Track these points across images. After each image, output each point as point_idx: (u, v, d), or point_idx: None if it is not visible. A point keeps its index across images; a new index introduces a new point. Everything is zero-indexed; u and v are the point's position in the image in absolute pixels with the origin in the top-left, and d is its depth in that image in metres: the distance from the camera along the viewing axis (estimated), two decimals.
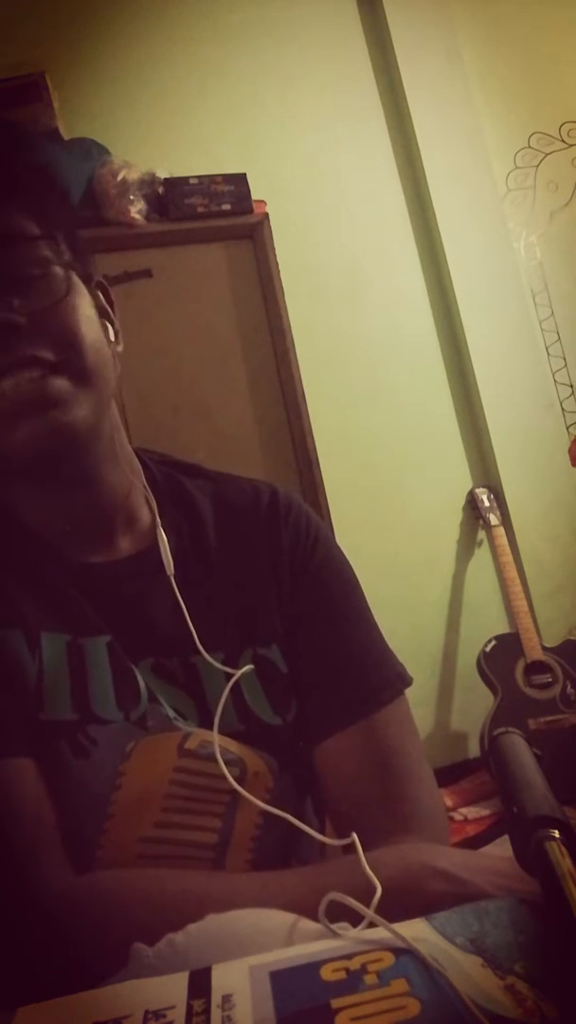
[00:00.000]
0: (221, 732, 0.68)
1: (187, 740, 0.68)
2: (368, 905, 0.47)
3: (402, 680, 0.76)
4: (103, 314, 0.73)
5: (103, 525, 0.74)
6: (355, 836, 0.54)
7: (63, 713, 0.66)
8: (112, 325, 0.74)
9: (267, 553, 0.78)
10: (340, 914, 0.45)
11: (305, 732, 0.75)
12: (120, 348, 0.74)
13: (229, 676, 0.71)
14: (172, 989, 0.38)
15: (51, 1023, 0.38)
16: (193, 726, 0.69)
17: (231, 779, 0.64)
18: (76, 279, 0.68)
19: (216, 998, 0.36)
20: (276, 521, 0.80)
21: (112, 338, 0.72)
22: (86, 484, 0.71)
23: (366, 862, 0.52)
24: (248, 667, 0.71)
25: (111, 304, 0.75)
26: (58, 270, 0.66)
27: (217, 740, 0.66)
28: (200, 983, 0.38)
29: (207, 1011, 0.35)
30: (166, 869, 0.64)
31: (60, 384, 0.63)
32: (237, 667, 0.72)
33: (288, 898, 0.55)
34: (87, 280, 0.71)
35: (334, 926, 0.43)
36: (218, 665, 0.70)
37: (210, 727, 0.68)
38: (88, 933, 0.57)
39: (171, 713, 0.69)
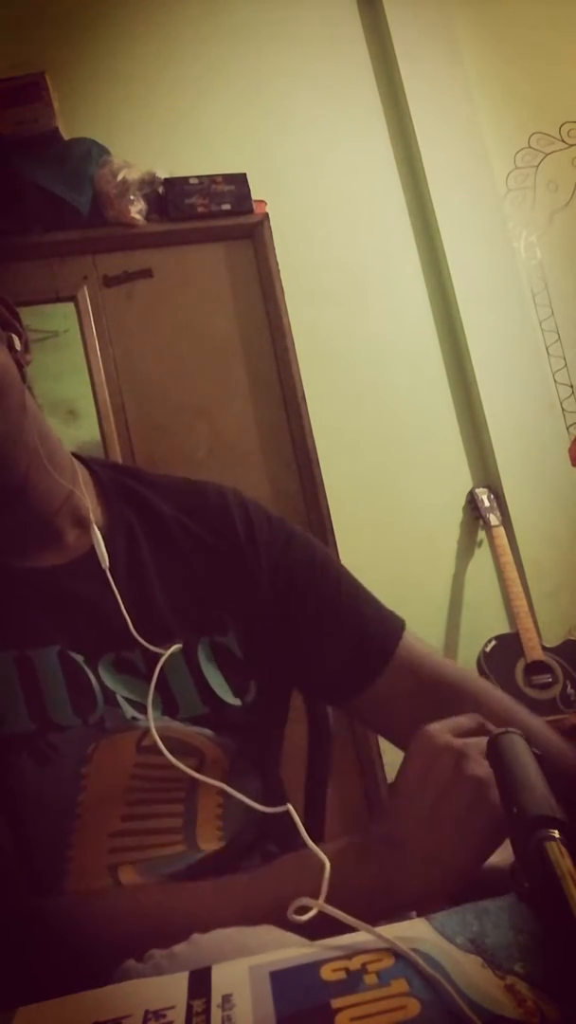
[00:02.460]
0: (185, 718, 0.71)
1: (145, 737, 0.70)
2: (319, 885, 0.49)
3: (399, 620, 0.83)
4: (6, 326, 0.75)
5: (47, 531, 0.75)
6: (290, 807, 0.57)
7: (21, 726, 0.67)
8: (19, 336, 0.75)
9: (222, 545, 0.81)
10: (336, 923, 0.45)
11: (337, 697, 0.81)
12: (29, 357, 0.76)
13: (191, 664, 0.74)
14: (172, 989, 0.38)
15: (51, 1023, 0.38)
16: (157, 716, 0.71)
17: (181, 765, 0.66)
18: None
19: (216, 998, 0.36)
20: (228, 513, 0.83)
21: (18, 348, 0.74)
22: (17, 496, 0.73)
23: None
24: (176, 646, 0.73)
25: (14, 316, 0.77)
26: None
27: (152, 717, 0.68)
28: (200, 983, 0.38)
29: (207, 1011, 0.35)
30: (121, 888, 0.65)
31: None
32: (195, 655, 0.74)
33: (244, 904, 0.57)
34: None
35: (332, 939, 0.43)
36: (152, 648, 0.72)
37: (174, 715, 0.71)
38: (45, 962, 0.57)
39: (128, 713, 0.70)
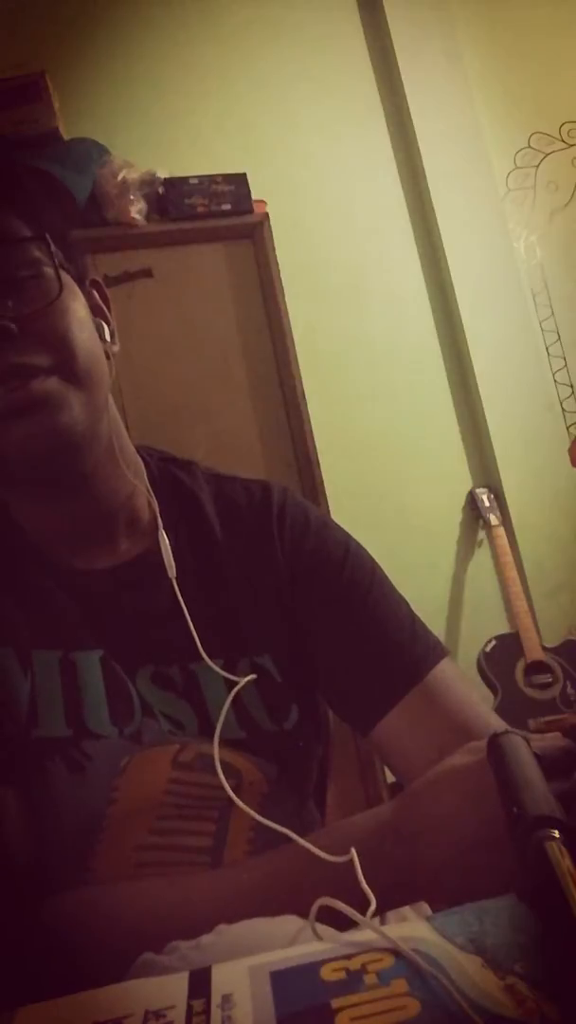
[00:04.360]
0: (221, 740, 0.67)
1: (182, 753, 0.68)
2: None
3: (439, 648, 0.75)
4: (98, 313, 0.72)
5: (104, 529, 0.73)
6: (354, 852, 0.51)
7: (57, 730, 0.65)
8: (108, 324, 0.73)
9: (265, 555, 0.77)
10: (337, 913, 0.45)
11: (357, 722, 0.74)
12: (116, 348, 0.73)
13: (229, 683, 0.70)
14: (172, 989, 0.38)
15: (51, 1023, 0.38)
16: (193, 734, 0.69)
17: (230, 791, 0.63)
18: (68, 279, 0.67)
19: (216, 998, 0.36)
20: (269, 520, 0.78)
21: (108, 338, 0.72)
22: (86, 488, 0.70)
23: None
24: (251, 676, 0.70)
25: (106, 303, 0.74)
26: (49, 271, 0.65)
27: (218, 752, 0.65)
28: (200, 983, 0.38)
29: (207, 1011, 0.35)
30: (122, 884, 0.63)
31: (50, 385, 0.63)
32: (235, 675, 0.71)
33: (254, 896, 0.56)
34: (80, 280, 0.70)
35: (333, 938, 0.43)
36: (223, 673, 0.69)
37: (210, 734, 0.67)
38: (52, 962, 0.56)
39: (166, 727, 0.68)
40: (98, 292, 0.74)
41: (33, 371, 0.62)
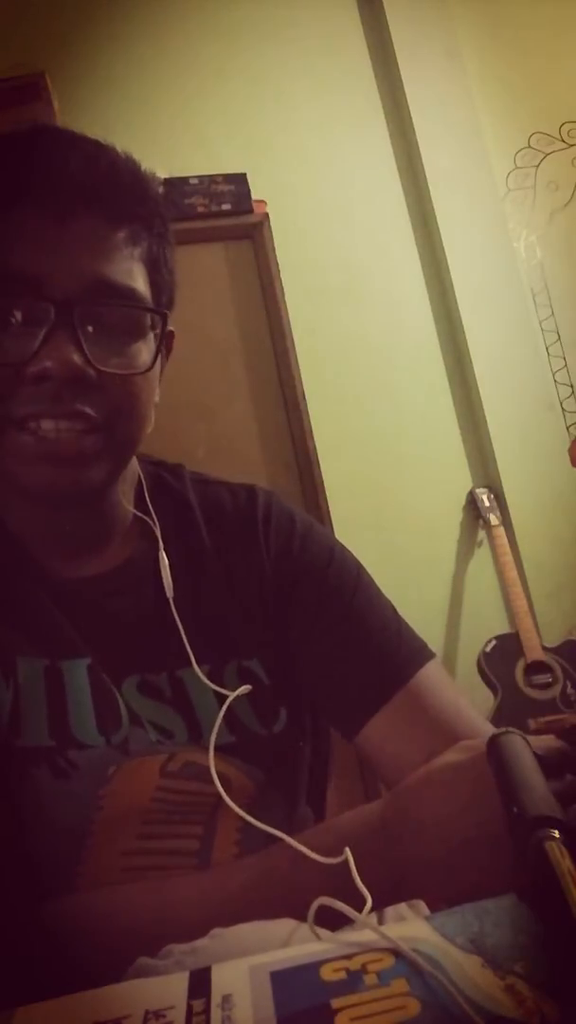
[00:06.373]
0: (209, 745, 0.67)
1: (170, 762, 0.67)
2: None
3: (425, 651, 0.75)
4: (168, 351, 0.74)
5: (94, 537, 0.73)
6: (348, 851, 0.51)
7: (40, 739, 0.65)
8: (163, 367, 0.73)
9: (251, 559, 0.77)
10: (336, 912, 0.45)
11: (343, 726, 0.74)
12: (157, 399, 0.73)
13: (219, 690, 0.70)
14: (172, 989, 0.38)
15: (51, 1023, 0.38)
16: (183, 742, 0.68)
17: (223, 793, 0.63)
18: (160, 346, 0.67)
19: (216, 998, 0.36)
20: (255, 524, 0.78)
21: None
22: (85, 508, 0.71)
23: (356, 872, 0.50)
24: (245, 688, 0.70)
25: (169, 354, 0.74)
26: (152, 340, 0.67)
27: (213, 762, 0.65)
28: (200, 983, 0.38)
29: (207, 1011, 0.35)
30: (114, 888, 0.63)
31: (94, 442, 0.63)
32: (223, 679, 0.71)
33: (238, 895, 0.56)
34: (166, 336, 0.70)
35: (333, 938, 0.43)
36: (214, 687, 0.69)
37: (199, 741, 0.68)
38: (48, 965, 0.56)
39: (154, 737, 0.68)
40: (167, 345, 0.73)
41: (90, 424, 0.62)
